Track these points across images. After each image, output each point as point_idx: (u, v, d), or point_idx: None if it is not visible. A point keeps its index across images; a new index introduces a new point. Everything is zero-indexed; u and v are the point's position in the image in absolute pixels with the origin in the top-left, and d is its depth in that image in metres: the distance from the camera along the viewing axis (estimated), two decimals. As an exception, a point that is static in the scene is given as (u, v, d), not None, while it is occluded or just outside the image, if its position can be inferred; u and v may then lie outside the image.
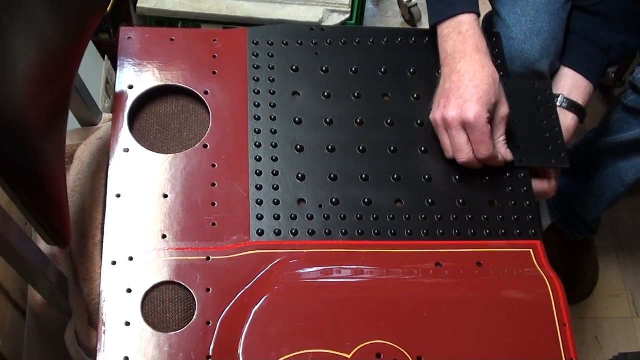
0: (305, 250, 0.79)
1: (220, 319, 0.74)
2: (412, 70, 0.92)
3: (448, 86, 0.86)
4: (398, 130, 0.88)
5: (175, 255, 0.77)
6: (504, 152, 0.86)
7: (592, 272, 1.44)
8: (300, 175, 0.83)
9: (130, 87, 0.87)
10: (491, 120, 0.84)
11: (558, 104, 0.98)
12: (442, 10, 0.89)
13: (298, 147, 0.85)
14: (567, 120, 0.99)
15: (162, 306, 0.75)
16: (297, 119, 0.87)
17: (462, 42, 0.86)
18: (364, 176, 0.84)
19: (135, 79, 0.87)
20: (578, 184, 1.28)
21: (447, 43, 0.88)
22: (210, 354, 0.72)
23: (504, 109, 0.86)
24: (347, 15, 1.34)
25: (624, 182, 1.19)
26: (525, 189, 0.86)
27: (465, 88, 0.84)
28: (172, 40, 0.91)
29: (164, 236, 0.78)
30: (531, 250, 0.82)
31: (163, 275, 0.76)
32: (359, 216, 0.82)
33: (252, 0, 1.32)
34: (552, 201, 1.37)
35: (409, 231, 0.82)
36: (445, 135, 0.86)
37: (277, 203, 0.81)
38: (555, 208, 1.37)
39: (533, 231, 0.84)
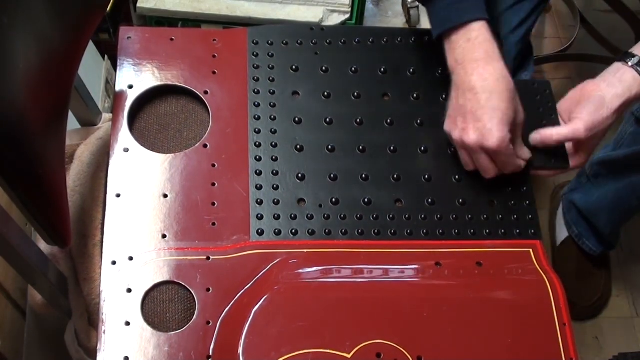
0: (305, 250, 0.79)
1: (220, 318, 0.74)
2: (412, 70, 0.92)
3: (463, 103, 0.80)
4: (398, 130, 0.88)
5: (175, 255, 0.77)
6: (523, 153, 0.83)
7: (604, 291, 1.41)
8: (300, 175, 0.83)
9: (130, 87, 0.87)
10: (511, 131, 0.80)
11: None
12: (449, 17, 0.81)
13: (298, 146, 0.85)
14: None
15: (162, 306, 0.75)
16: (297, 119, 0.87)
17: (471, 50, 0.80)
18: (364, 176, 0.84)
19: (135, 78, 0.87)
20: (595, 198, 1.28)
21: (456, 51, 0.81)
22: (210, 353, 0.72)
23: (520, 116, 0.81)
24: (347, 15, 1.33)
25: (639, 196, 1.18)
26: (525, 188, 0.86)
27: (483, 111, 0.78)
28: (172, 40, 0.91)
29: (164, 236, 0.78)
30: (531, 250, 0.82)
31: (163, 275, 0.76)
32: (359, 216, 0.82)
33: (252, 0, 1.32)
34: (570, 216, 1.37)
35: (408, 231, 0.82)
36: (464, 153, 0.82)
37: (277, 203, 0.81)
38: (573, 224, 1.36)
39: (532, 231, 0.84)
